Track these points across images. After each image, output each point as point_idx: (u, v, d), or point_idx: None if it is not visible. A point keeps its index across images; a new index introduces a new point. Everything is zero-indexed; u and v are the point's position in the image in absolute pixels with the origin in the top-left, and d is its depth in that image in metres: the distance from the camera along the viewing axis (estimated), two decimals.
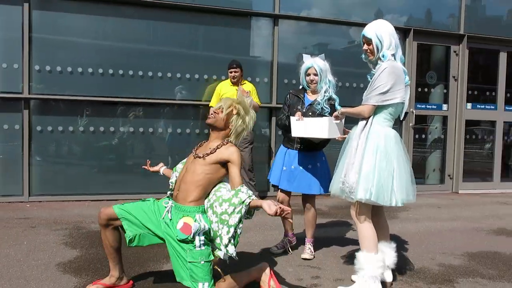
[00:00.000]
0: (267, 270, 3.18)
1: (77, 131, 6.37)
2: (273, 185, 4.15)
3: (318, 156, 4.18)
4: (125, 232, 3.02)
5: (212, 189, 3.03)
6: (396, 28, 7.84)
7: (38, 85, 6.17)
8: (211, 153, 3.01)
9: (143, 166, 3.68)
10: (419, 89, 8.08)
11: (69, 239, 4.44)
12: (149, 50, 6.69)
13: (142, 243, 3.05)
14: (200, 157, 3.02)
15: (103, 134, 6.45)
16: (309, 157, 4.14)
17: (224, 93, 6.26)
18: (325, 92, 4.07)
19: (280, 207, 2.71)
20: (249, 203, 2.86)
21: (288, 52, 7.35)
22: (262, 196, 6.93)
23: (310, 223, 4.25)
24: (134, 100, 6.55)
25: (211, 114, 3.13)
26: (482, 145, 8.82)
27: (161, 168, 3.57)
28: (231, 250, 2.85)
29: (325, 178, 4.10)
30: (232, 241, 2.86)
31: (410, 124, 7.81)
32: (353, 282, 3.42)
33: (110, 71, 6.40)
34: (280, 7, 7.10)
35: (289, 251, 4.24)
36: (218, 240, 2.88)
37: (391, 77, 3.17)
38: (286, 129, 4.12)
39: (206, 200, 3.00)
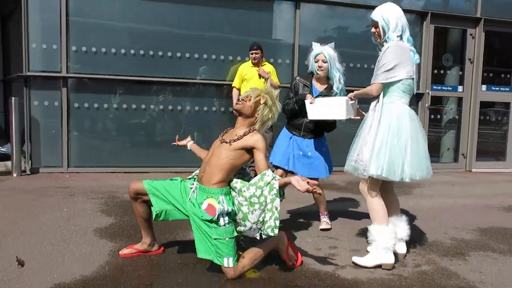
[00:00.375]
0: (285, 240, 3.19)
1: (111, 108, 6.45)
2: (274, 166, 4.02)
3: (324, 140, 4.14)
4: (152, 207, 3.08)
5: (234, 174, 3.07)
6: (414, 12, 7.76)
7: (75, 64, 6.23)
8: (237, 139, 3.02)
9: (172, 143, 3.68)
10: (435, 71, 7.92)
11: (104, 207, 4.54)
12: (177, 32, 6.68)
13: (167, 218, 3.09)
14: (226, 142, 3.03)
15: (134, 111, 6.51)
16: (319, 143, 4.08)
17: (246, 74, 6.27)
18: (339, 81, 3.92)
19: (309, 182, 2.74)
20: (275, 184, 2.88)
21: (308, 35, 7.23)
22: None
23: (321, 200, 4.21)
24: (163, 80, 6.57)
25: (239, 100, 3.12)
26: (495, 126, 8.64)
27: (189, 142, 3.58)
28: (276, 231, 2.90)
29: (330, 159, 4.13)
30: (276, 223, 2.89)
31: (426, 105, 7.69)
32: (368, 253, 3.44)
33: (141, 52, 6.43)
34: None
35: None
36: (248, 223, 2.93)
37: (395, 55, 3.12)
38: (293, 113, 4.02)
39: (233, 186, 3.02)
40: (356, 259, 3.27)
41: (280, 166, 4.06)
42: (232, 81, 6.52)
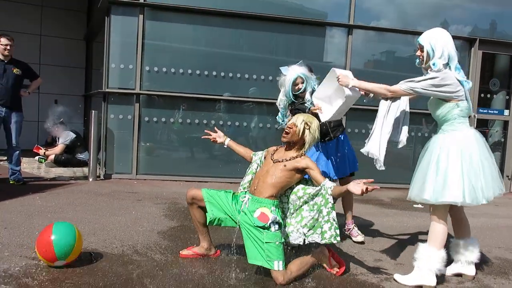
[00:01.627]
0: (326, 252, 3.17)
1: (176, 122, 6.62)
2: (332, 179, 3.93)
3: (343, 137, 3.98)
4: (206, 213, 3.14)
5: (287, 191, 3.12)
6: (462, 38, 7.50)
7: (147, 82, 6.46)
8: (290, 159, 3.06)
9: (203, 137, 3.61)
10: (482, 95, 7.60)
11: (168, 212, 4.65)
12: (238, 55, 6.81)
13: (219, 224, 3.15)
14: (280, 162, 3.06)
15: (196, 125, 6.65)
16: (341, 141, 3.95)
17: None
18: (311, 94, 3.75)
19: (364, 183, 2.73)
20: (330, 198, 2.94)
21: (359, 58, 7.19)
22: None
23: (350, 204, 4.07)
24: (222, 97, 6.69)
25: (286, 131, 3.10)
26: None
27: (226, 139, 3.54)
28: (338, 238, 2.95)
29: (353, 157, 3.98)
30: (337, 232, 2.95)
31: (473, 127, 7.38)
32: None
33: (205, 72, 6.58)
34: (354, 18, 6.95)
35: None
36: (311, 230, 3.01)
37: (444, 78, 2.94)
38: None
39: (292, 199, 3.09)
40: (397, 277, 3.13)
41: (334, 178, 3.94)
42: None
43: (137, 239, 3.62)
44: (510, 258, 3.80)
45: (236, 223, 3.09)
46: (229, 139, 3.59)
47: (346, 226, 4.08)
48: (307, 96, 3.80)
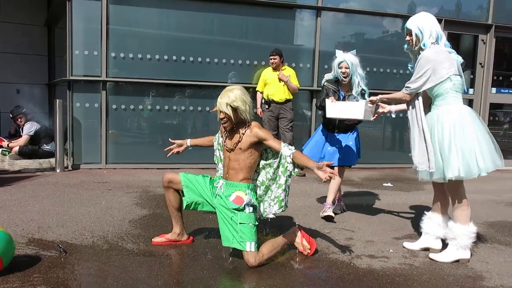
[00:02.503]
0: (298, 233, 3.19)
1: (145, 109, 6.53)
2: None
3: (354, 133, 4.28)
4: (183, 197, 3.15)
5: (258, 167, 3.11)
6: None
7: (114, 69, 6.33)
8: (240, 141, 3.01)
9: (169, 155, 3.52)
10: None
11: (139, 200, 4.61)
12: (205, 39, 6.72)
13: (196, 208, 3.16)
14: (234, 149, 3.03)
15: (166, 112, 6.58)
16: (350, 136, 4.25)
17: (267, 78, 6.34)
18: (358, 85, 4.08)
19: (331, 172, 2.76)
20: (289, 166, 2.98)
21: (328, 40, 7.22)
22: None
23: (334, 191, 4.25)
24: (192, 83, 6.62)
25: (223, 122, 3.02)
26: (504, 126, 8.44)
27: (187, 142, 3.48)
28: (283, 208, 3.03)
29: (356, 151, 4.27)
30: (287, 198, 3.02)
31: None
32: (405, 248, 3.43)
33: (174, 58, 6.49)
34: (322, 0, 6.97)
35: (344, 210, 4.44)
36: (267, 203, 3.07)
37: (429, 61, 3.08)
38: (325, 110, 4.15)
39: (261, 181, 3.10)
40: (433, 255, 3.22)
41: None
42: (257, 84, 6.55)
43: (107, 229, 3.59)
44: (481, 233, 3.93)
45: (213, 207, 3.11)
46: (189, 140, 3.49)
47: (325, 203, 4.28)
48: (353, 90, 4.09)
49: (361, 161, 4.73)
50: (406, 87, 3.20)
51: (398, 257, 3.25)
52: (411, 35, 3.24)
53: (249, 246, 2.89)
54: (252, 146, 3.00)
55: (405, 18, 7.42)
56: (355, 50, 4.15)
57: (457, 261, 3.17)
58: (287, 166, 2.99)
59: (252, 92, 6.74)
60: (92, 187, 5.10)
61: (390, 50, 7.58)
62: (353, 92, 4.10)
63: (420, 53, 3.19)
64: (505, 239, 3.78)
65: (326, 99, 3.98)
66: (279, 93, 6.27)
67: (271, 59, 6.26)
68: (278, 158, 3.03)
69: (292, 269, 2.94)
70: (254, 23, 6.95)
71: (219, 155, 3.30)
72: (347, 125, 4.21)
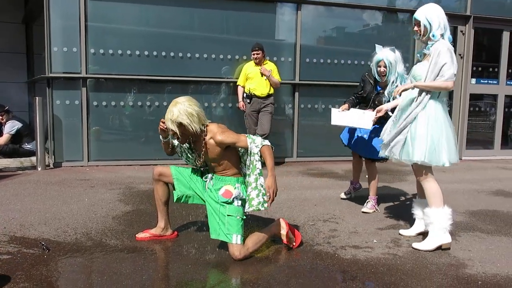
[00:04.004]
0: (283, 224, 3.20)
1: (126, 106, 6.47)
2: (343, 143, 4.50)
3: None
4: (174, 190, 3.15)
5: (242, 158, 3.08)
6: (406, 11, 7.71)
7: (94, 66, 6.26)
8: (205, 150, 2.98)
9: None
10: None
11: (122, 197, 4.58)
12: (186, 34, 6.67)
13: (187, 201, 3.18)
14: (203, 156, 3.03)
15: (148, 108, 6.54)
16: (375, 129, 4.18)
17: (249, 72, 6.32)
18: (392, 84, 4.03)
19: (272, 193, 2.91)
20: (258, 164, 2.95)
21: (309, 34, 7.24)
22: (281, 162, 6.98)
23: (373, 182, 4.34)
24: (173, 78, 6.58)
25: (177, 139, 3.00)
26: (484, 116, 8.60)
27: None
28: (265, 205, 2.97)
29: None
30: (265, 198, 2.97)
31: None
32: (402, 235, 3.53)
33: (154, 53, 6.44)
34: None
35: (352, 195, 4.59)
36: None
37: (449, 54, 3.15)
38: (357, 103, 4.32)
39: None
40: (416, 245, 3.27)
41: (344, 143, 4.45)
42: (237, 79, 6.54)
43: (91, 226, 3.56)
44: (457, 220, 3.97)
45: (203, 200, 3.12)
46: (167, 140, 3.29)
47: (355, 185, 4.64)
48: (386, 90, 4.04)
49: (344, 154, 4.79)
50: (449, 76, 3.14)
51: (382, 247, 3.29)
52: (419, 25, 3.28)
53: (235, 239, 2.90)
54: (224, 151, 2.97)
55: (385, 10, 7.52)
56: (394, 47, 4.07)
57: (440, 247, 3.23)
58: (255, 164, 2.95)
59: (233, 86, 6.74)
60: (75, 185, 5.05)
61: (369, 43, 7.64)
62: (385, 92, 4.05)
63: (429, 43, 3.25)
64: (486, 227, 3.85)
65: (332, 109, 4.05)
66: (261, 88, 6.27)
67: (253, 53, 6.25)
68: (248, 155, 2.99)
69: (277, 261, 2.96)
70: (234, 18, 6.92)
71: (187, 156, 3.19)
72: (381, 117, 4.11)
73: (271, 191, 2.93)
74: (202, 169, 3.22)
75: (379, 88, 4.18)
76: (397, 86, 3.96)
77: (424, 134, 3.19)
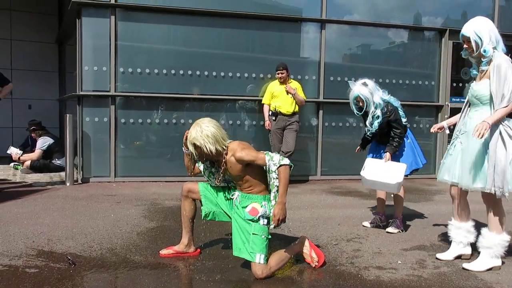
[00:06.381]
0: (307, 243, 3.18)
1: (153, 123, 6.58)
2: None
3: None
4: (202, 206, 3.18)
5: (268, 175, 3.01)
6: (433, 29, 7.65)
7: (122, 84, 6.41)
8: (225, 168, 2.99)
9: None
10: (454, 84, 7.75)
11: (147, 213, 4.63)
12: (212, 53, 6.77)
13: (214, 218, 3.20)
14: (224, 176, 3.05)
15: (174, 125, 6.63)
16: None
17: (274, 91, 6.36)
18: (372, 114, 3.99)
19: (277, 221, 2.87)
20: (278, 169, 2.88)
21: (333, 52, 7.26)
22: (305, 180, 6.94)
23: (399, 201, 4.28)
24: (201, 96, 6.67)
25: (197, 157, 3.04)
26: None
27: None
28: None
29: (414, 154, 4.23)
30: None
31: (446, 116, 7.52)
32: (439, 259, 3.42)
33: (180, 72, 6.55)
34: (326, 12, 7.02)
35: (380, 226, 4.30)
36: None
37: (510, 68, 3.01)
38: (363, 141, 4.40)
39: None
40: (467, 265, 3.22)
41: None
42: (263, 97, 6.58)
43: (116, 242, 3.60)
44: None
45: (229, 217, 3.13)
46: (188, 151, 3.29)
47: (381, 217, 4.36)
48: (367, 120, 4.05)
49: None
50: (504, 99, 2.98)
51: (407, 268, 3.22)
52: (469, 42, 3.12)
53: (258, 258, 2.89)
54: (246, 167, 2.95)
55: (410, 28, 7.49)
56: (366, 80, 4.00)
57: (490, 269, 3.18)
58: (273, 182, 2.93)
59: (258, 104, 6.78)
60: (101, 200, 5.14)
61: (395, 61, 7.60)
62: (367, 122, 4.03)
63: (483, 60, 3.10)
64: None
65: (368, 158, 4.11)
66: (287, 106, 6.30)
67: (278, 73, 6.29)
68: (267, 172, 2.96)
69: (299, 281, 2.93)
70: (259, 37, 7.01)
71: (210, 172, 3.19)
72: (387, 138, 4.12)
73: (275, 219, 2.87)
74: (229, 185, 3.23)
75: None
76: (377, 116, 3.94)
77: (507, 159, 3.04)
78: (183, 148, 3.16)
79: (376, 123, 3.99)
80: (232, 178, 3.08)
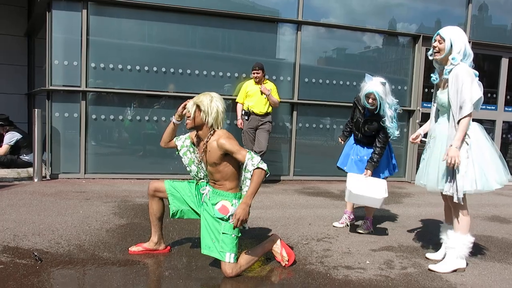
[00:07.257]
0: (278, 242, 3.22)
1: (125, 120, 6.53)
2: (338, 168, 4.45)
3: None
4: (169, 205, 3.18)
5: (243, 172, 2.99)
6: (406, 35, 7.83)
7: (94, 80, 6.34)
8: (206, 150, 2.98)
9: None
10: (426, 90, 7.96)
11: (117, 210, 4.60)
12: (187, 51, 6.78)
13: (182, 216, 3.20)
14: (202, 159, 3.06)
15: (146, 123, 6.60)
16: (369, 151, 4.23)
17: (249, 90, 6.42)
18: (391, 118, 4.02)
19: (237, 221, 2.86)
20: (254, 171, 2.87)
21: (309, 54, 7.36)
22: (277, 180, 7.01)
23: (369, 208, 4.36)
24: (173, 94, 6.66)
25: (187, 120, 3.07)
26: None
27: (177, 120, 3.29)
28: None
29: (389, 163, 4.34)
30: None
31: (417, 121, 7.73)
32: (428, 259, 3.57)
33: (154, 69, 6.52)
34: (303, 14, 7.11)
35: (348, 225, 4.44)
36: None
37: (470, 75, 3.15)
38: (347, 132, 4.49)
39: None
40: (432, 266, 3.32)
41: (340, 167, 4.41)
42: (237, 96, 6.62)
43: (84, 238, 3.57)
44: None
45: (198, 215, 3.13)
46: (178, 122, 3.31)
47: (350, 215, 4.49)
48: (387, 122, 4.03)
49: (340, 174, 4.82)
50: (466, 111, 3.13)
51: (375, 268, 3.31)
52: (441, 42, 3.25)
53: (228, 257, 2.91)
54: (224, 157, 2.95)
55: (385, 33, 7.66)
56: (383, 79, 3.96)
57: (455, 270, 3.30)
58: (246, 182, 2.93)
59: (232, 103, 6.82)
60: (70, 197, 5.07)
61: (370, 65, 7.76)
62: (387, 123, 4.00)
63: (447, 68, 3.24)
64: (480, 252, 3.87)
65: (349, 175, 4.08)
66: (260, 106, 6.35)
67: (254, 73, 6.35)
68: (243, 170, 2.96)
69: (269, 280, 2.97)
70: (235, 36, 7.04)
71: (191, 157, 3.22)
72: (370, 139, 4.18)
73: (236, 218, 2.85)
74: (199, 180, 3.22)
75: (367, 114, 4.15)
76: (395, 116, 4.04)
77: (470, 163, 3.16)
78: (173, 117, 3.22)
79: (395, 123, 4.06)
80: (207, 165, 3.03)
